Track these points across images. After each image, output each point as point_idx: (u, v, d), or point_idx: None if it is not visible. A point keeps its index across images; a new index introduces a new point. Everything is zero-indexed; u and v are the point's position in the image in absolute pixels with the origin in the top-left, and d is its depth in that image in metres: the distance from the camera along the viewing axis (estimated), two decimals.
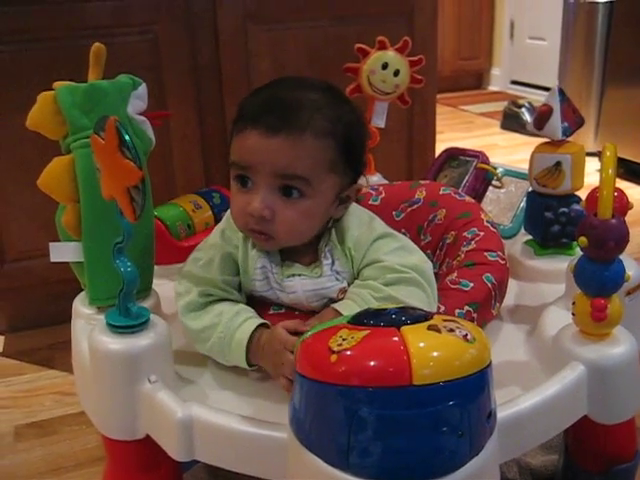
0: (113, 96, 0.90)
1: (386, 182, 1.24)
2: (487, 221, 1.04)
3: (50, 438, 1.32)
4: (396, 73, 1.20)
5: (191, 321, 0.87)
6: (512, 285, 1.04)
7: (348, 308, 0.81)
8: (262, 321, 0.84)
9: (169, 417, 0.74)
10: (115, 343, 0.78)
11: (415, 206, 1.09)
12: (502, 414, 0.70)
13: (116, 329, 0.78)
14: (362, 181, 0.91)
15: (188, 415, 0.73)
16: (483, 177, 1.24)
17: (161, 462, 0.81)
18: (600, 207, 0.75)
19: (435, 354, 0.60)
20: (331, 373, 0.60)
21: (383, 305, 0.71)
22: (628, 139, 2.80)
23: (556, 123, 1.02)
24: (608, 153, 0.76)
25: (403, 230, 1.05)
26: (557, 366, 0.80)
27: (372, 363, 0.59)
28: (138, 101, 0.94)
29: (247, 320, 0.84)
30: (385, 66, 1.20)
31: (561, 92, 1.03)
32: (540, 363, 0.86)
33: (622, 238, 0.74)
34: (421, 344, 0.60)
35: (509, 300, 1.01)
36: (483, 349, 0.63)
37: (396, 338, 0.61)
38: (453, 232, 1.04)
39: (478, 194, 1.22)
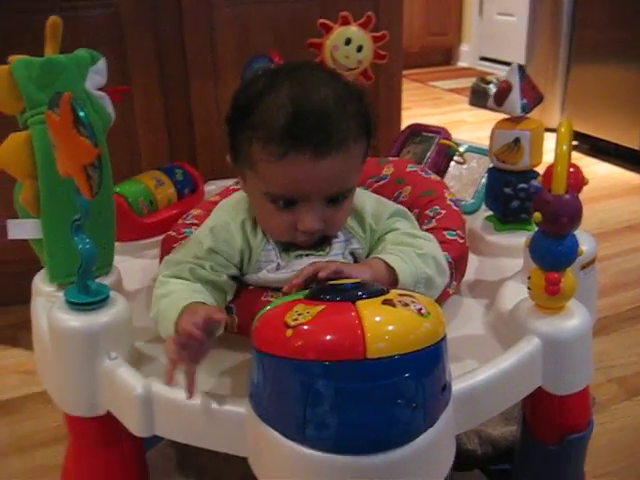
0: (71, 71, 0.89)
1: None
2: (450, 199, 1.04)
3: (14, 417, 1.33)
4: (359, 49, 1.20)
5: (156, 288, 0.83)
6: (472, 260, 1.05)
7: (395, 260, 0.80)
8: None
9: (129, 393, 0.74)
10: (74, 320, 0.77)
11: (382, 182, 1.10)
12: (458, 386, 0.71)
13: (75, 306, 0.78)
14: None
15: (148, 391, 0.73)
16: (445, 153, 1.25)
17: (122, 438, 0.81)
18: (554, 183, 0.75)
19: (390, 328, 0.61)
20: (287, 347, 0.60)
21: (340, 280, 0.71)
22: (594, 115, 2.83)
23: (515, 99, 1.03)
24: (563, 129, 0.77)
25: None
26: (513, 339, 0.81)
27: (327, 337, 0.59)
28: (97, 76, 0.93)
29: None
30: (348, 42, 1.19)
31: (520, 69, 1.04)
32: (497, 337, 0.87)
33: (575, 214, 0.75)
34: (376, 318, 0.61)
35: (469, 275, 1.02)
36: (437, 323, 0.64)
37: (351, 313, 0.61)
38: (416, 210, 1.04)
39: (440, 170, 1.23)
